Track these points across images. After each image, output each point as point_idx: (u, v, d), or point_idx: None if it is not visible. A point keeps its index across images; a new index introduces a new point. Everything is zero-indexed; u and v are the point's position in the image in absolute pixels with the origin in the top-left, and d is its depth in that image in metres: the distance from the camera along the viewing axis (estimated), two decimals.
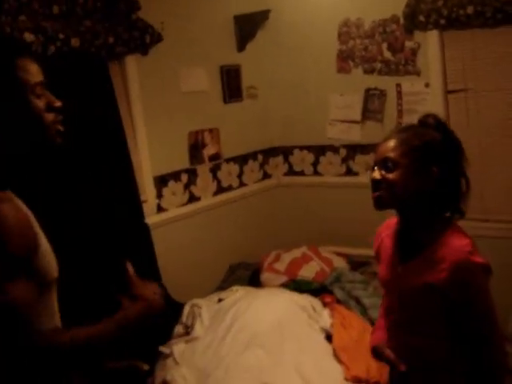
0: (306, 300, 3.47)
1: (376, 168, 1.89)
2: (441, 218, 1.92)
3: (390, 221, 2.10)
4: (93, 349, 1.66)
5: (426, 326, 1.92)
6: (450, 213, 1.94)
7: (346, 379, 2.98)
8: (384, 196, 1.86)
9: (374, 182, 1.88)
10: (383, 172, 1.86)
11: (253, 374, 2.90)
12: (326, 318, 3.36)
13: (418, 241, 1.91)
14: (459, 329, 1.87)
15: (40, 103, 1.61)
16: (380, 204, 1.88)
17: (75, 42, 3.43)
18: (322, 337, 3.24)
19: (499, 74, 3.90)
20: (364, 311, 3.47)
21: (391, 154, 1.86)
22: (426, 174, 1.85)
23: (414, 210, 1.90)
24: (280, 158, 4.93)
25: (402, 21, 4.09)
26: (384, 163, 1.87)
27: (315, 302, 3.47)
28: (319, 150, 4.67)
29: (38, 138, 1.62)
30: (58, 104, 1.65)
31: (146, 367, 3.34)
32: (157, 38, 3.85)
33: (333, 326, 3.29)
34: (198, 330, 3.32)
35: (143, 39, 3.79)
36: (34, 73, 1.61)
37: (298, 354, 3.05)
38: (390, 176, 1.85)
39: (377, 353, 2.06)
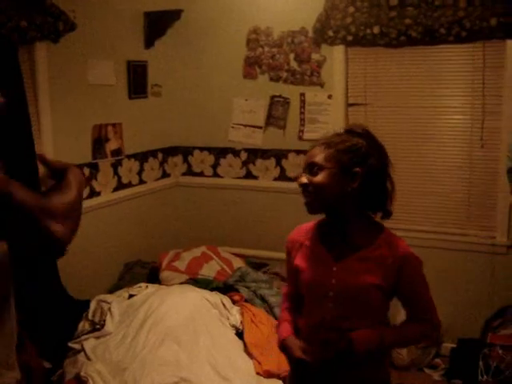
0: (217, 297, 3.52)
1: (303, 174, 1.98)
2: (373, 222, 2.05)
3: (302, 227, 2.17)
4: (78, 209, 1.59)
5: (364, 318, 2.00)
6: (376, 213, 2.06)
7: (259, 373, 3.09)
8: (312, 201, 1.96)
9: (302, 186, 1.97)
10: (309, 176, 1.95)
11: (169, 368, 2.91)
12: (236, 315, 3.43)
13: (353, 242, 2.00)
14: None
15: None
16: (311, 209, 1.98)
17: None
18: (232, 333, 3.31)
19: (396, 92, 4.21)
20: (270, 309, 3.59)
21: (316, 159, 1.95)
22: (350, 176, 1.94)
23: (342, 211, 1.99)
24: (179, 158, 4.94)
25: (310, 33, 4.28)
26: (310, 168, 1.96)
27: (225, 300, 3.53)
28: (220, 152, 4.75)
29: None
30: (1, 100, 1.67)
31: (47, 365, 3.25)
32: (70, 27, 3.74)
33: (242, 323, 3.37)
34: (109, 325, 3.26)
35: (56, 26, 3.67)
36: None
37: (211, 349, 3.10)
38: (315, 179, 1.93)
39: (285, 346, 2.12)
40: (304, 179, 1.96)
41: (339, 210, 1.99)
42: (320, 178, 1.93)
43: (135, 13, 4.41)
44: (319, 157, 1.95)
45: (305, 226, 2.16)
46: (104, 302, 3.46)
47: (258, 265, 4.40)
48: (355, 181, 1.94)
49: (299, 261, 2.12)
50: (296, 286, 2.17)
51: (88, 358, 3.05)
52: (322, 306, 2.06)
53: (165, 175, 4.91)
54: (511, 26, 3.70)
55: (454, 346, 3.99)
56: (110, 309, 3.37)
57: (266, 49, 4.46)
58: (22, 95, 3.54)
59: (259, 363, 3.12)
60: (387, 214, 2.05)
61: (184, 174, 4.96)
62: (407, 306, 2.05)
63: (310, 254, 2.10)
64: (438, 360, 4.10)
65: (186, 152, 4.92)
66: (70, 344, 3.23)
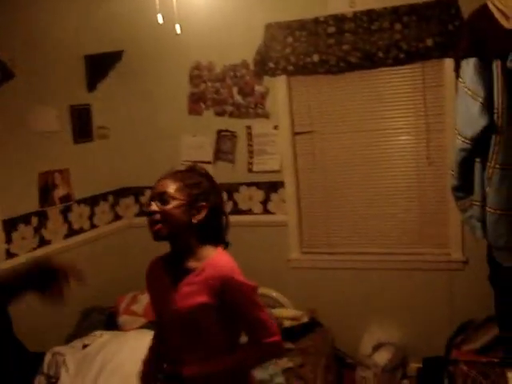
0: None
1: (152, 202, 2.11)
2: (205, 247, 2.18)
3: (154, 260, 2.33)
4: None
5: (207, 340, 2.13)
6: (216, 244, 2.21)
7: None
8: (161, 228, 2.08)
9: (151, 213, 2.10)
10: (160, 205, 2.09)
11: None
12: None
13: (186, 267, 2.14)
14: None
15: None
16: (158, 236, 2.10)
17: None
18: None
19: (340, 118, 4.25)
20: None
21: (168, 189, 2.09)
22: (197, 208, 2.12)
23: (185, 240, 2.14)
24: (131, 199, 4.89)
25: (252, 66, 4.30)
26: (161, 197, 2.09)
27: None
28: None
29: None
30: None
31: None
32: (8, 75, 3.69)
33: None
34: (64, 379, 3.16)
35: None
36: None
37: None
38: (167, 207, 2.07)
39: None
40: (154, 207, 2.08)
41: (182, 240, 2.13)
42: (171, 206, 2.07)
43: (75, 57, 4.38)
44: (171, 188, 2.09)
45: (155, 259, 2.31)
46: (58, 354, 3.35)
47: None
48: (200, 214, 2.12)
49: (150, 290, 2.33)
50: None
51: None
52: (165, 334, 2.26)
53: (117, 218, 4.85)
54: (447, 45, 3.76)
55: (420, 365, 3.99)
56: (64, 361, 3.26)
57: (210, 84, 4.46)
58: None
59: None
60: (226, 245, 2.23)
61: (137, 215, 4.90)
62: (242, 327, 2.17)
63: (156, 283, 2.27)
64: (405, 381, 4.08)
65: (137, 192, 4.87)
66: None
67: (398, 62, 3.95)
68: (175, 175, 2.15)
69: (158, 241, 2.11)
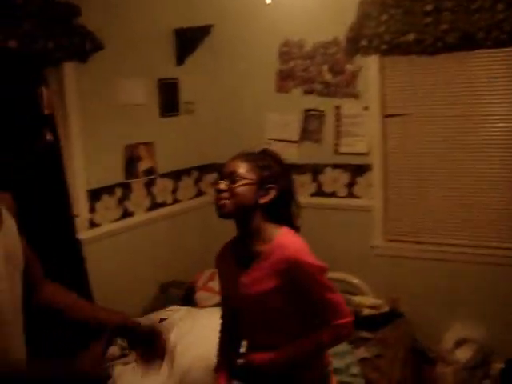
0: None
1: (221, 181, 2.10)
2: (269, 226, 2.13)
3: (224, 245, 2.33)
4: None
5: (280, 324, 2.13)
6: (281, 224, 2.17)
7: None
8: (227, 204, 2.06)
9: (219, 191, 2.07)
10: (229, 183, 2.07)
11: None
12: None
13: (254, 250, 2.11)
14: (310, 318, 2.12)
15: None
16: (223, 212, 2.07)
17: (12, 44, 3.25)
18: None
19: (435, 101, 4.02)
20: None
21: (239, 169, 2.08)
22: (266, 191, 2.10)
23: (251, 220, 2.11)
24: (214, 175, 4.86)
25: (343, 44, 4.15)
26: (231, 176, 2.08)
27: None
28: None
29: None
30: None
31: None
32: (98, 46, 3.71)
33: None
34: None
35: (83, 46, 3.64)
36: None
37: None
38: (236, 187, 2.06)
39: None
40: (223, 185, 2.07)
41: (247, 220, 2.11)
42: (240, 187, 2.06)
43: (165, 30, 4.37)
44: (241, 168, 2.09)
45: (226, 243, 2.31)
46: None
47: None
48: (268, 195, 2.10)
49: (220, 276, 2.33)
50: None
51: None
52: (242, 321, 2.25)
53: (200, 193, 4.84)
54: None
55: (503, 366, 3.78)
56: None
57: (299, 61, 4.34)
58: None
59: None
60: (297, 229, 2.20)
61: None
62: (313, 309, 2.11)
63: (225, 270, 2.28)
64: (486, 381, 3.88)
65: (220, 169, 4.83)
66: None
67: (498, 43, 3.68)
68: (247, 156, 2.15)
69: (222, 217, 2.09)
